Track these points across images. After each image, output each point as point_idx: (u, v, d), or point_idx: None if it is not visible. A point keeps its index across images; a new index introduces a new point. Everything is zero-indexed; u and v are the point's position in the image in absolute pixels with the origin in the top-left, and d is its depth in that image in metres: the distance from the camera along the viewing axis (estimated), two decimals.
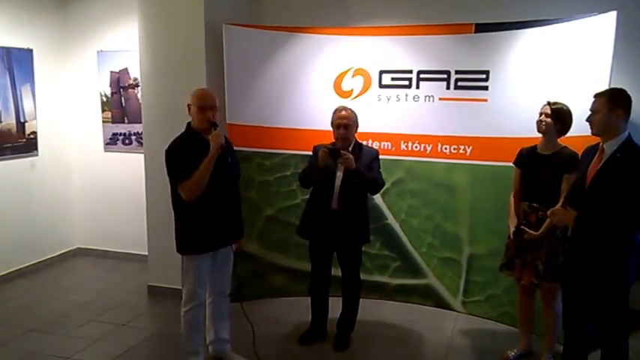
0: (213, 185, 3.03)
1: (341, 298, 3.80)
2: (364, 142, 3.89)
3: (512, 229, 3.42)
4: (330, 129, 3.65)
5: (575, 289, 2.92)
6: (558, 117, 3.27)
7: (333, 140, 3.63)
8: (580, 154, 3.03)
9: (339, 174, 3.55)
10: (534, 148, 3.42)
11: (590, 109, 2.79)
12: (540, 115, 3.32)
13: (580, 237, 2.84)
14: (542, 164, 3.32)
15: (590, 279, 2.79)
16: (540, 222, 3.27)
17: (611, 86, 3.37)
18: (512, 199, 3.52)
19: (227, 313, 3.50)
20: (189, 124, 3.16)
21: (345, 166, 3.45)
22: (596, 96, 2.80)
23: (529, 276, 3.34)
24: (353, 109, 3.65)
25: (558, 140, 3.35)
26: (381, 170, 3.68)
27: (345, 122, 3.54)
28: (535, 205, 3.33)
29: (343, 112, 3.58)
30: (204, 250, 3.16)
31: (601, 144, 2.80)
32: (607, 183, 2.69)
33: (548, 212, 2.99)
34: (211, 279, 3.30)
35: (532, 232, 3.28)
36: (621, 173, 2.65)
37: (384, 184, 3.70)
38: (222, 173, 3.09)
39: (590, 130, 2.85)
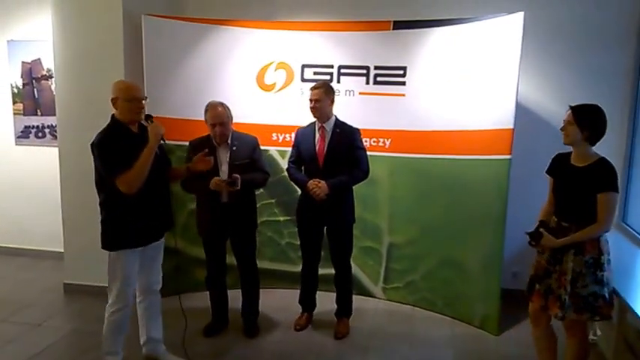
0: (148, 177, 2.96)
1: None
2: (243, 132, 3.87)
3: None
4: (252, 122, 3.66)
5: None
6: (582, 118, 2.71)
7: (209, 133, 3.62)
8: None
9: (224, 168, 3.58)
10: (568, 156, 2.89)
11: (313, 99, 3.62)
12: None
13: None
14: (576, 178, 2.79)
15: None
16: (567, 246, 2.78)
17: (519, 82, 3.63)
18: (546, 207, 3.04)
19: (159, 310, 3.40)
20: (114, 116, 3.04)
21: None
22: (314, 88, 3.64)
23: (554, 308, 2.82)
24: (224, 102, 3.62)
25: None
26: (264, 159, 3.77)
27: (220, 121, 3.52)
28: (565, 224, 2.83)
29: (219, 109, 3.55)
30: (138, 244, 3.08)
31: (320, 124, 3.69)
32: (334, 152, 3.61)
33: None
34: (140, 276, 3.19)
35: (551, 237, 2.78)
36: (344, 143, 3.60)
37: (268, 176, 3.76)
38: (155, 165, 3.02)
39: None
